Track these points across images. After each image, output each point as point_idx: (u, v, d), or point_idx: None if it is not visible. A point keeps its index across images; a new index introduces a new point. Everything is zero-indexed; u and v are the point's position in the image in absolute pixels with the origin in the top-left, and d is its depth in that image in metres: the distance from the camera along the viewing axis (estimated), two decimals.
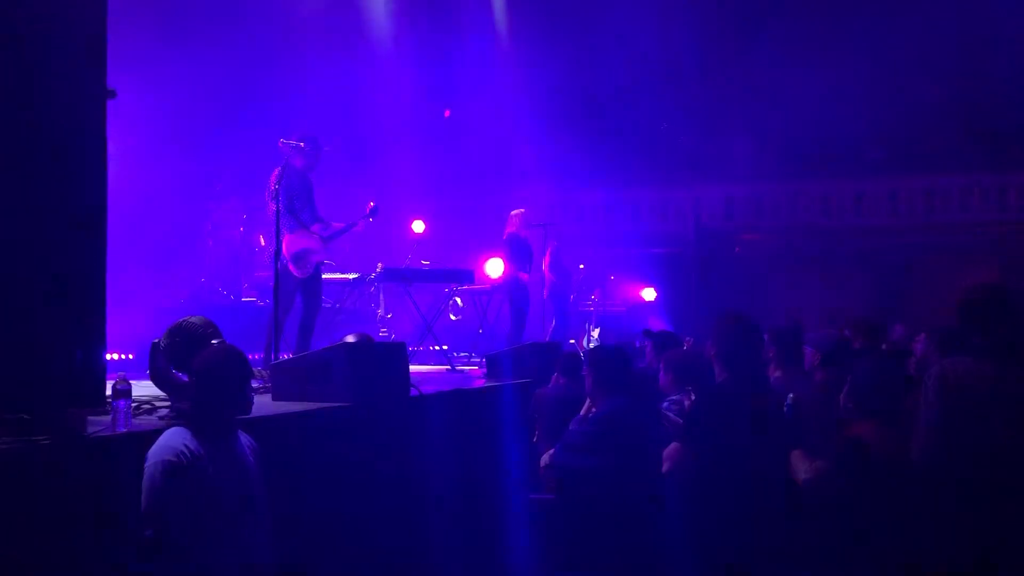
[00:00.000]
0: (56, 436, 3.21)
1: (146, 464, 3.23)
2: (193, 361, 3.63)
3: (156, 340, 4.19)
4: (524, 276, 9.04)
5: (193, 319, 4.25)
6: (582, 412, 4.80)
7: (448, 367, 8.47)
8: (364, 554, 4.76)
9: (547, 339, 9.72)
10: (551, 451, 4.88)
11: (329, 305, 9.23)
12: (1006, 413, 3.49)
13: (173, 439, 3.30)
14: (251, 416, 3.76)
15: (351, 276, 9.58)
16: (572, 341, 10.96)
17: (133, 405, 3.84)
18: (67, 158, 3.39)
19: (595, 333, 11.82)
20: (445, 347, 9.15)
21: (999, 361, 3.56)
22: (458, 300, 10.23)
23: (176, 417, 3.56)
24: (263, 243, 9.60)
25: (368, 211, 7.36)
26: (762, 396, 3.92)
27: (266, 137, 7.75)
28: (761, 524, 3.65)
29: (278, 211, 6.59)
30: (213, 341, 4.02)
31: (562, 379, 5.93)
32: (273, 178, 6.75)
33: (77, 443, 3.31)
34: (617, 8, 15.74)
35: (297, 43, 10.95)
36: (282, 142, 6.88)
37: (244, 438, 3.58)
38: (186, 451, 3.26)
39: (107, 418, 3.56)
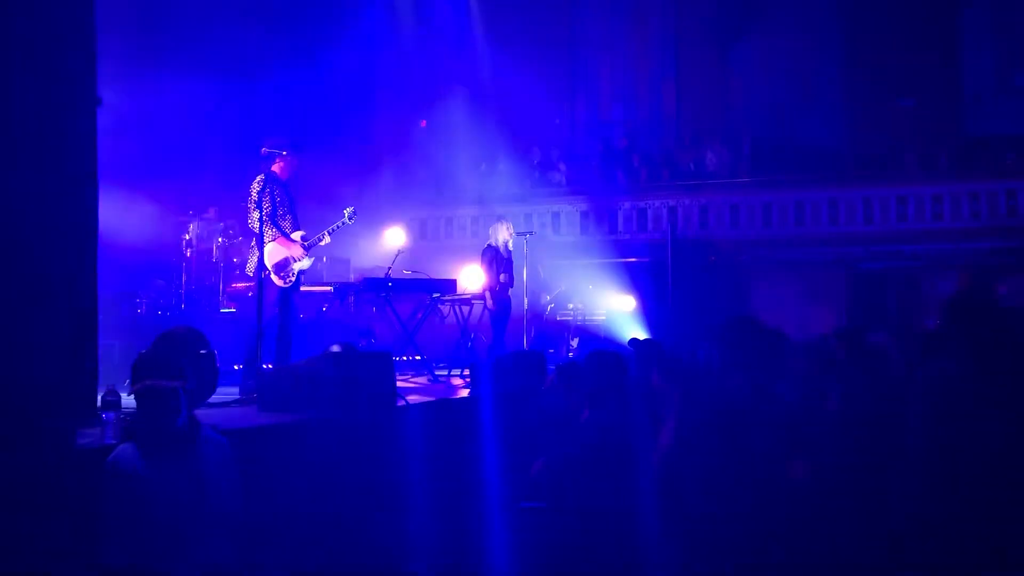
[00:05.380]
0: (46, 447, 3.15)
1: None
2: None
3: (142, 352, 4.13)
4: (505, 285, 9.02)
5: (180, 329, 4.20)
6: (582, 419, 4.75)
7: (428, 377, 8.41)
8: (350, 564, 4.71)
9: (527, 348, 9.69)
10: (544, 459, 4.84)
11: (306, 317, 9.16)
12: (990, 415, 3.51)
13: (118, 455, 3.22)
14: (238, 427, 3.71)
15: (329, 287, 9.50)
16: (551, 351, 10.95)
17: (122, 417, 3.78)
18: (60, 165, 3.34)
19: (574, 343, 11.81)
20: (422, 357, 9.06)
21: (982, 365, 3.58)
22: (442, 309, 10.17)
23: (126, 434, 3.43)
24: (243, 253, 9.50)
25: (347, 215, 7.31)
26: (767, 401, 3.90)
27: (245, 146, 7.68)
28: (759, 534, 3.63)
29: (260, 219, 6.53)
30: (201, 351, 3.98)
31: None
32: (255, 186, 6.69)
33: (67, 454, 3.26)
34: (592, 17, 15.89)
35: (270, 48, 10.91)
36: (265, 150, 6.80)
37: (209, 447, 3.41)
38: (127, 466, 3.17)
39: (97, 430, 3.51)
